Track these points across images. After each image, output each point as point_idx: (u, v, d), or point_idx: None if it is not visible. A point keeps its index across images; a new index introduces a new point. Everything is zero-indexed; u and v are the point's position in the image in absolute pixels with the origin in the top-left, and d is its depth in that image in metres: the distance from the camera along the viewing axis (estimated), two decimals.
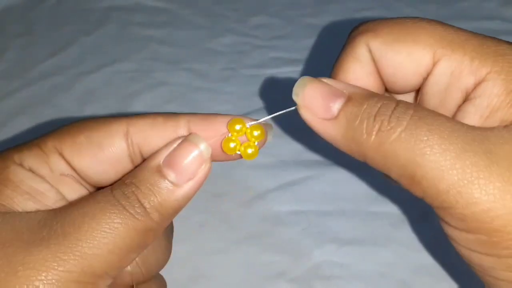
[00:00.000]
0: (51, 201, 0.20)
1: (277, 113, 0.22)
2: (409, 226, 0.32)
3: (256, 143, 0.21)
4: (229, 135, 0.21)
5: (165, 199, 0.19)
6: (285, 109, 0.22)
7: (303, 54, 0.44)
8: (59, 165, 0.21)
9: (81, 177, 0.21)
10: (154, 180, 0.19)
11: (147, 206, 0.19)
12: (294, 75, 0.42)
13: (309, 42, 0.45)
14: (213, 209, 0.33)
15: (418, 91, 0.23)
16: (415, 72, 0.21)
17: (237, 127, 0.21)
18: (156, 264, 0.23)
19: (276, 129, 0.38)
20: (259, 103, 0.40)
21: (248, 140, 0.21)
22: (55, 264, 0.18)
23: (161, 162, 0.20)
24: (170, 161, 0.20)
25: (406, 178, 0.19)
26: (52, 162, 0.21)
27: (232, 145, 0.21)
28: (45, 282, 0.18)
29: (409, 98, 0.24)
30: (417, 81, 0.22)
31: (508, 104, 0.19)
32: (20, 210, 0.20)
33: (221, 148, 0.21)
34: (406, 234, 0.31)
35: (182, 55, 0.44)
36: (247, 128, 0.21)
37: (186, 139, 0.20)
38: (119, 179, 0.21)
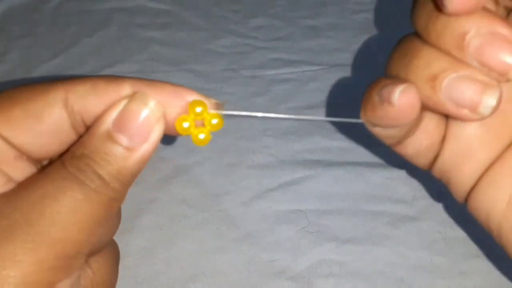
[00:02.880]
0: None
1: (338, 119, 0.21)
2: (407, 225, 0.32)
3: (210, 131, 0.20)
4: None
5: (122, 166, 0.18)
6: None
7: (303, 55, 0.44)
8: None
9: (23, 153, 0.19)
10: (106, 148, 0.18)
11: (106, 176, 0.18)
12: (294, 76, 0.42)
13: (308, 43, 0.45)
14: (213, 208, 0.33)
15: None
16: None
17: (198, 109, 0.19)
18: (107, 232, 0.22)
19: (276, 130, 0.38)
20: (259, 103, 0.40)
21: (204, 125, 0.19)
22: (26, 256, 0.17)
23: (110, 127, 0.18)
24: (119, 125, 0.18)
25: None
26: None
27: (185, 125, 0.19)
28: (20, 278, 0.16)
29: None
30: None
31: None
32: None
33: (172, 124, 0.19)
34: (404, 233, 0.32)
35: (183, 56, 0.45)
36: (208, 113, 0.19)
37: (132, 98, 0.18)
38: (66, 151, 0.19)
